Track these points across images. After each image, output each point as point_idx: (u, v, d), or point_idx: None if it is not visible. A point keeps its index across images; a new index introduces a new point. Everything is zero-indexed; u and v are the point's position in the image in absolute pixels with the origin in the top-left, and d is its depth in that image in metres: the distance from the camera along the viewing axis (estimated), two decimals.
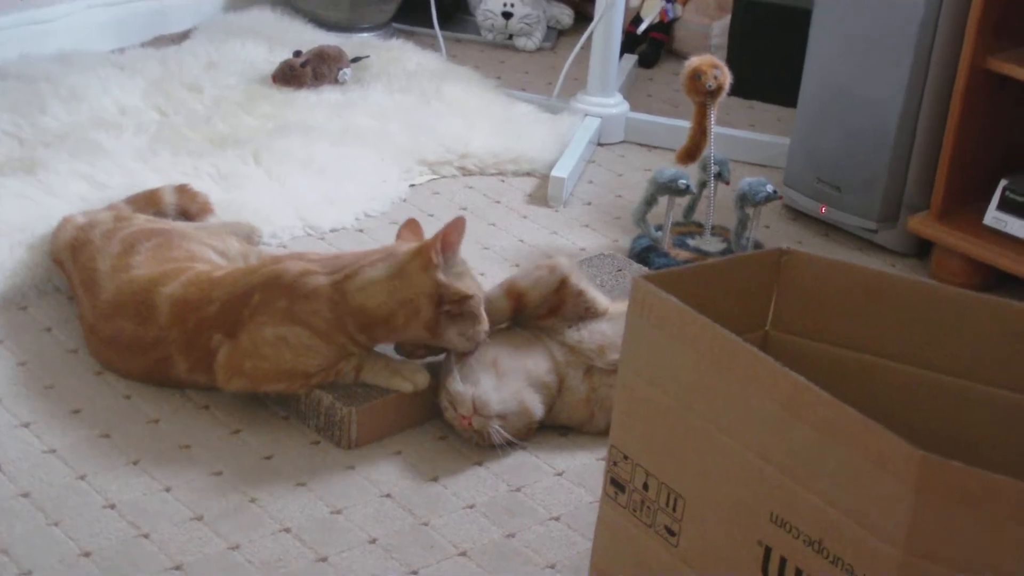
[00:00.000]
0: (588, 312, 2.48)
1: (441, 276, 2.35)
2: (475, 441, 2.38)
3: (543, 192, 3.38)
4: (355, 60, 3.82)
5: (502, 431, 2.35)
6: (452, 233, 2.36)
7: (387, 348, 2.47)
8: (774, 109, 3.99)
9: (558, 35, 4.45)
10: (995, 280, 3.07)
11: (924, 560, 1.61)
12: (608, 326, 2.46)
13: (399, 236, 2.54)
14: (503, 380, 2.38)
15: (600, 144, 3.69)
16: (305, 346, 2.37)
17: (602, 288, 2.65)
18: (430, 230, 2.50)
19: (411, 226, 2.54)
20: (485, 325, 2.40)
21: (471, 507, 2.28)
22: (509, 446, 2.38)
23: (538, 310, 2.47)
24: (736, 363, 1.79)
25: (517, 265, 3.01)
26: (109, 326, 2.50)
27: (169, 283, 2.47)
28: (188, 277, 2.48)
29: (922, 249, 3.22)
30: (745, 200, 3.02)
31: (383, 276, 2.37)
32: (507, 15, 4.28)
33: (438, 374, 2.44)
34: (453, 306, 2.35)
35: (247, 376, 2.39)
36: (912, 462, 1.58)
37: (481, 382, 2.36)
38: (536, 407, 2.41)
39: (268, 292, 2.40)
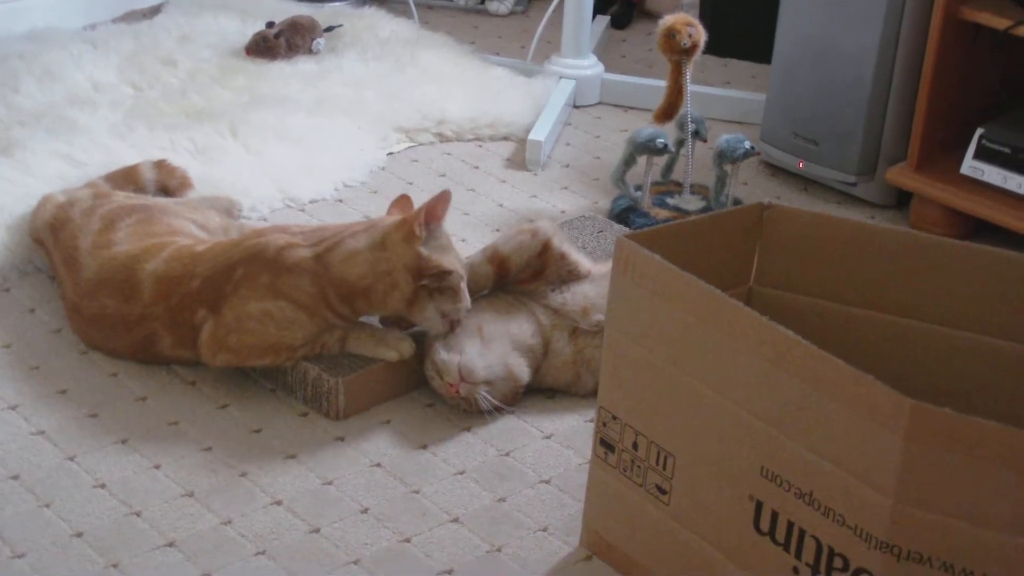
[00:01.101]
0: (571, 274, 2.48)
1: (422, 249, 2.34)
2: (462, 408, 2.39)
3: (521, 156, 3.37)
4: (328, 30, 3.81)
5: (489, 397, 2.36)
6: (438, 206, 2.35)
7: (372, 317, 2.47)
8: (748, 66, 3.99)
9: None
10: (974, 228, 3.08)
11: (915, 507, 1.63)
12: (591, 287, 2.47)
13: (389, 212, 2.52)
14: (488, 346, 2.38)
15: (576, 106, 3.69)
16: (289, 320, 2.37)
17: (584, 249, 2.65)
18: (412, 197, 2.50)
19: (402, 203, 2.51)
20: (466, 304, 2.39)
21: (461, 473, 2.28)
22: (496, 411, 2.38)
23: (521, 274, 2.47)
24: (722, 319, 1.80)
25: (498, 230, 3.01)
26: (92, 304, 2.49)
27: (151, 259, 2.46)
28: (170, 252, 2.47)
29: (901, 200, 3.23)
30: (723, 157, 3.02)
31: (364, 247, 2.36)
32: None
33: (423, 342, 2.44)
34: (432, 280, 2.35)
35: (232, 351, 2.39)
36: (902, 410, 1.59)
37: (466, 349, 2.36)
38: (522, 371, 2.41)
39: (251, 266, 2.39)
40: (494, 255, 2.46)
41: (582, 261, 2.49)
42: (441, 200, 2.35)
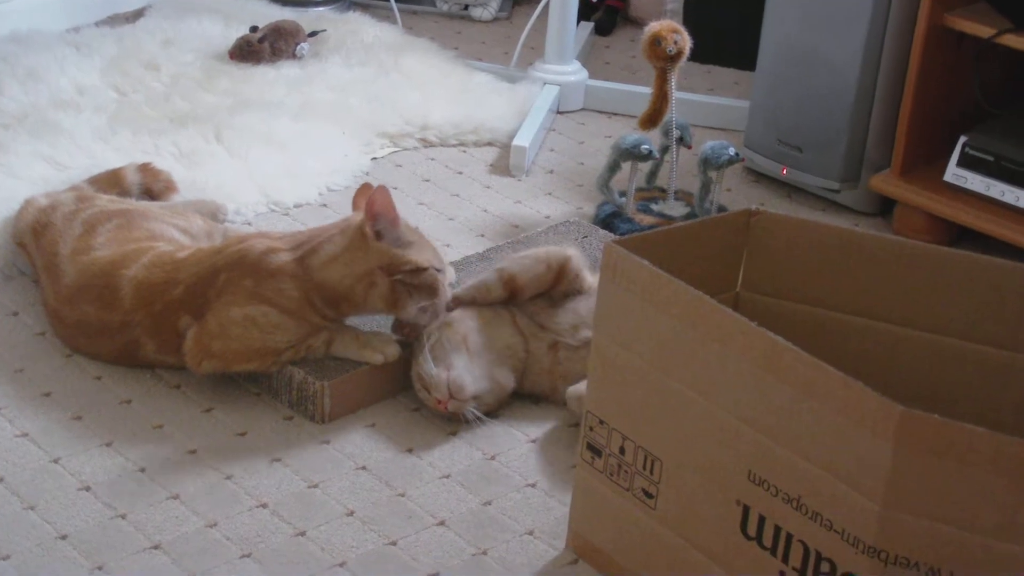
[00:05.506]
0: (576, 292, 2.47)
1: (384, 246, 2.34)
2: (447, 418, 2.39)
3: (505, 162, 3.38)
4: (312, 34, 3.81)
5: (476, 412, 2.36)
6: (376, 202, 2.33)
7: (359, 321, 2.47)
8: (732, 73, 4.00)
9: (513, 4, 4.44)
10: (956, 236, 3.09)
11: (903, 513, 1.63)
12: (583, 304, 2.45)
13: (355, 203, 2.52)
14: (474, 360, 2.38)
15: (559, 112, 3.69)
16: (273, 324, 2.36)
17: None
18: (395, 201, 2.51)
19: (365, 191, 2.50)
20: (443, 298, 2.39)
21: (447, 477, 2.28)
22: (480, 421, 2.38)
23: (527, 296, 2.48)
24: (710, 324, 1.80)
25: (482, 235, 3.01)
26: (73, 311, 2.48)
27: (130, 265, 2.45)
28: (150, 258, 2.46)
29: (884, 208, 3.24)
30: (707, 164, 3.03)
31: (340, 251, 2.37)
32: None
33: (409, 348, 2.43)
34: (405, 276, 2.35)
35: (217, 357, 2.38)
36: (890, 417, 1.60)
37: (454, 364, 2.35)
38: (508, 381, 2.41)
39: (233, 272, 2.39)
40: (510, 280, 2.45)
41: (587, 279, 2.48)
42: (378, 195, 2.33)
